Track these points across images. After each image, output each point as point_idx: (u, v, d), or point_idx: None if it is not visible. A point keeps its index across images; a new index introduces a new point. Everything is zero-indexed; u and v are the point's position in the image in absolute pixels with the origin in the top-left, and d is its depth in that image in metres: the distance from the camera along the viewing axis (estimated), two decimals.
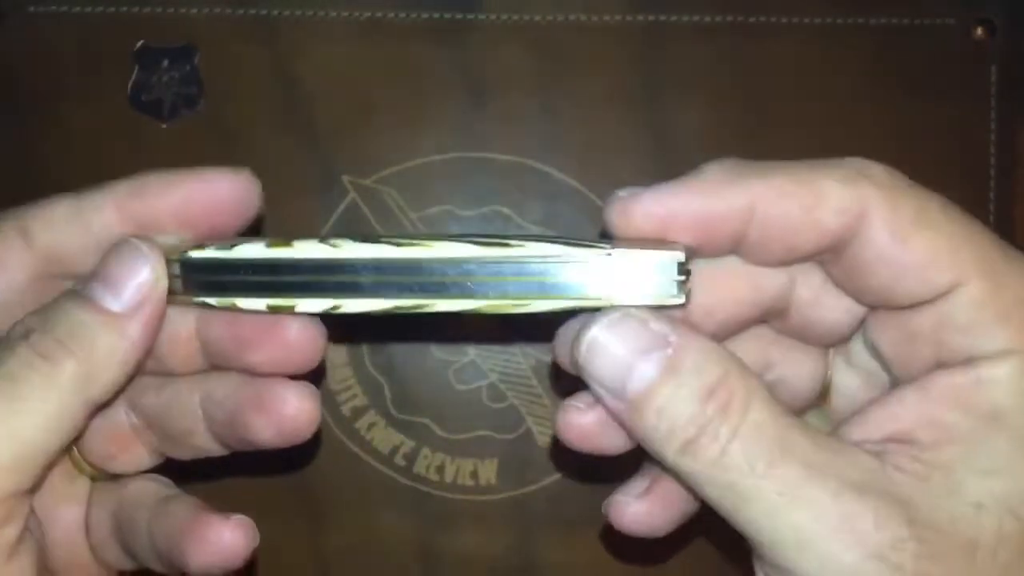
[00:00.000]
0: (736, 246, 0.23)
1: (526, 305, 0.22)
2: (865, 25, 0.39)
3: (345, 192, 0.38)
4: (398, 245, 0.22)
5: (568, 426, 0.24)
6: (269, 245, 0.23)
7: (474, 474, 0.38)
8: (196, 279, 0.23)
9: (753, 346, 0.25)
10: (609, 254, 0.22)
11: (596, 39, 0.39)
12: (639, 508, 0.25)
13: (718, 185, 0.22)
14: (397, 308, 0.22)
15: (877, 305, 0.23)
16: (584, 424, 0.24)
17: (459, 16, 0.39)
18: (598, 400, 0.23)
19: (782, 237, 0.22)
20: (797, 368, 0.26)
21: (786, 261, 0.23)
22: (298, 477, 0.38)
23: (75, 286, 0.23)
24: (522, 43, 0.39)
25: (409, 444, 0.38)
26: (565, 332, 0.24)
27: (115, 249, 0.23)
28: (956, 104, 0.39)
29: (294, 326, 0.24)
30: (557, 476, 0.38)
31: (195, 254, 0.23)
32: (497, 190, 0.39)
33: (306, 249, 0.23)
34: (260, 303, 0.23)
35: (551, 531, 0.38)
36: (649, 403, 0.21)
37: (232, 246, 0.23)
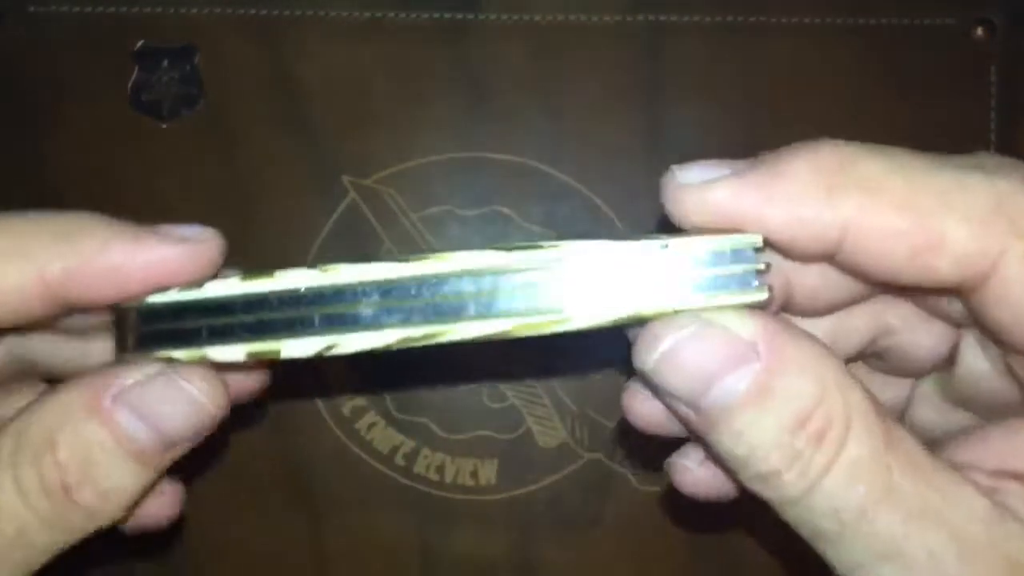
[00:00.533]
0: (823, 258, 0.19)
1: (567, 321, 0.18)
2: (865, 25, 0.39)
3: (345, 192, 0.38)
4: (403, 261, 0.19)
5: (632, 411, 0.21)
6: (245, 278, 0.19)
7: (474, 474, 0.38)
8: (156, 330, 0.20)
9: (869, 309, 0.22)
10: (666, 246, 0.18)
11: (596, 39, 0.39)
12: (702, 474, 0.21)
13: (807, 194, 0.18)
14: (406, 340, 0.19)
15: (1010, 349, 0.19)
16: (652, 413, 0.21)
17: (459, 16, 0.39)
18: (667, 405, 0.20)
19: (879, 270, 0.18)
20: (918, 337, 0.22)
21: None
22: (297, 477, 0.38)
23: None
24: (522, 43, 0.39)
25: (409, 444, 0.38)
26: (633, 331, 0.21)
27: (166, 394, 0.20)
28: (956, 104, 0.39)
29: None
30: (557, 476, 0.38)
31: (156, 299, 0.20)
32: (497, 190, 0.39)
33: (291, 278, 0.19)
34: (237, 351, 0.19)
35: (551, 531, 0.38)
36: (727, 424, 0.18)
37: (201, 284, 0.20)
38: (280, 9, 0.39)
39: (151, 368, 0.20)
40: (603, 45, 0.39)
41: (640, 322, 0.19)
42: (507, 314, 0.18)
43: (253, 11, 0.39)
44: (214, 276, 0.20)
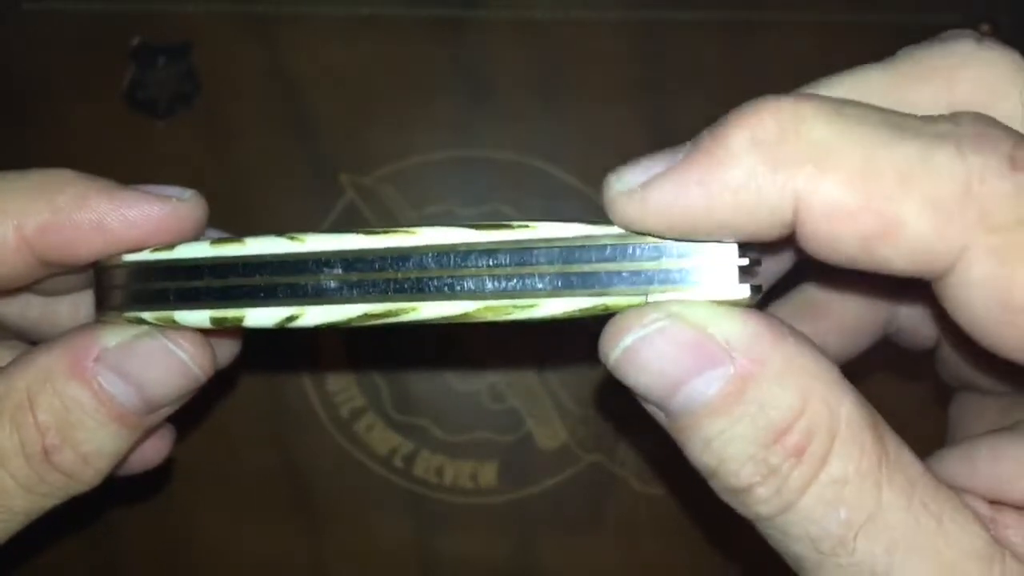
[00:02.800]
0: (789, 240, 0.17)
1: (534, 306, 0.17)
2: (869, 23, 0.39)
3: (343, 191, 0.38)
4: (371, 234, 0.18)
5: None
6: (215, 243, 0.19)
7: (474, 476, 0.38)
8: (130, 289, 0.20)
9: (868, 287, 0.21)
10: (644, 233, 0.17)
11: (596, 35, 0.39)
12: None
13: (751, 176, 0.15)
14: (367, 317, 0.18)
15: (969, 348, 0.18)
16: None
17: (458, 12, 0.39)
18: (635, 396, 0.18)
19: (829, 255, 0.16)
20: (919, 315, 0.21)
21: None
22: (296, 480, 0.38)
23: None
24: (522, 40, 0.39)
25: (408, 446, 0.38)
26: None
27: (151, 356, 0.20)
28: None
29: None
30: (558, 478, 0.38)
31: (129, 258, 0.20)
32: (497, 188, 0.38)
33: (260, 245, 0.18)
34: (202, 316, 0.19)
35: (552, 533, 0.38)
36: (695, 431, 0.16)
37: (173, 246, 0.19)
38: (277, 6, 0.39)
39: (135, 329, 0.20)
40: (604, 42, 0.39)
41: (611, 314, 0.18)
42: (471, 295, 0.17)
43: (250, 8, 0.39)
44: (198, 239, 0.20)
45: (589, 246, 0.17)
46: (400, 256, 0.18)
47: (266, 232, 0.19)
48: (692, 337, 0.16)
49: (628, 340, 0.17)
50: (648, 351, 0.16)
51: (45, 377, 0.19)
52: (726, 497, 0.17)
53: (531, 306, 0.17)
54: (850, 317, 0.24)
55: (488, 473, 0.38)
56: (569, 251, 0.17)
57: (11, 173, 0.20)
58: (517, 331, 0.38)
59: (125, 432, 0.20)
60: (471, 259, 0.17)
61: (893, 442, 0.16)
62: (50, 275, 0.21)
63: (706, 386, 0.16)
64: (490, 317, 0.17)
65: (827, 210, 0.15)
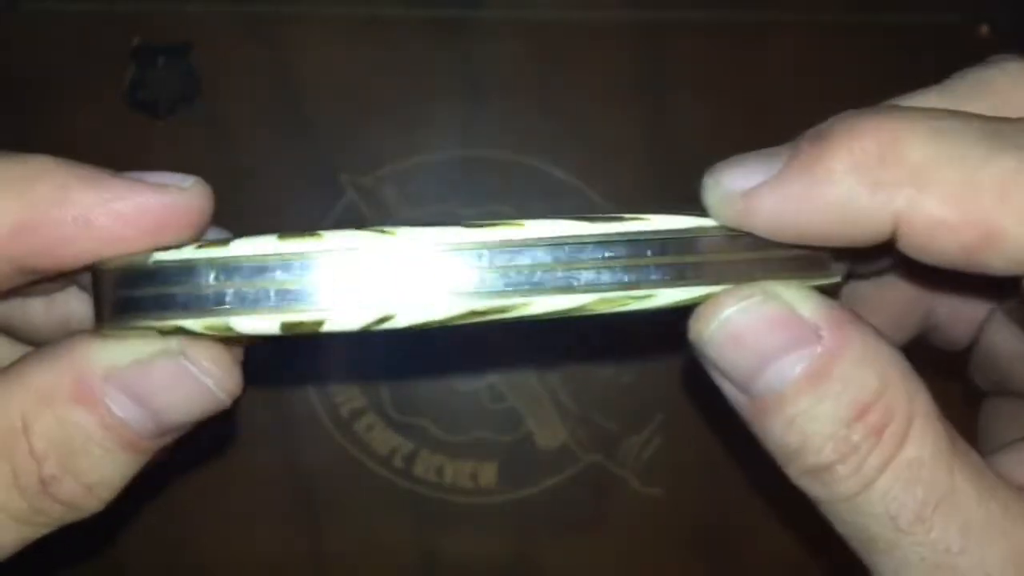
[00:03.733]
0: (880, 247, 0.17)
1: (651, 297, 0.17)
2: (868, 23, 0.39)
3: (343, 191, 0.38)
4: (470, 227, 0.16)
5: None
6: (284, 237, 0.16)
7: (474, 476, 0.38)
8: (165, 295, 0.17)
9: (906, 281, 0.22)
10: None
11: (597, 36, 0.39)
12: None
13: (851, 196, 0.16)
14: (472, 313, 0.16)
15: None
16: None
17: (458, 13, 0.39)
18: (717, 385, 0.18)
19: (931, 261, 0.17)
20: (956, 314, 0.22)
21: None
22: (296, 480, 0.38)
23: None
24: (522, 40, 0.39)
25: (408, 446, 0.38)
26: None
27: (171, 380, 0.18)
28: None
29: None
30: (558, 478, 0.38)
31: (165, 256, 0.17)
32: (497, 188, 0.38)
33: (342, 240, 0.16)
34: (270, 322, 0.16)
35: (551, 533, 0.38)
36: (780, 410, 0.17)
37: (227, 241, 0.16)
38: (277, 6, 0.39)
39: (150, 345, 0.17)
40: (604, 43, 0.39)
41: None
42: (587, 288, 0.17)
43: (251, 8, 0.39)
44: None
45: (703, 237, 0.17)
46: (512, 249, 0.17)
47: (342, 228, 0.17)
48: (785, 315, 0.17)
49: (726, 313, 0.17)
50: (743, 324, 0.17)
51: (42, 399, 0.17)
52: (804, 480, 0.17)
53: (648, 297, 0.17)
54: (892, 312, 0.24)
55: (488, 473, 0.38)
56: (682, 242, 0.17)
57: None
58: (518, 332, 0.38)
59: (134, 458, 0.18)
60: (586, 252, 0.17)
61: (960, 438, 0.17)
62: (26, 284, 0.18)
63: (793, 364, 0.17)
64: (604, 309, 0.17)
65: (928, 226, 0.16)
